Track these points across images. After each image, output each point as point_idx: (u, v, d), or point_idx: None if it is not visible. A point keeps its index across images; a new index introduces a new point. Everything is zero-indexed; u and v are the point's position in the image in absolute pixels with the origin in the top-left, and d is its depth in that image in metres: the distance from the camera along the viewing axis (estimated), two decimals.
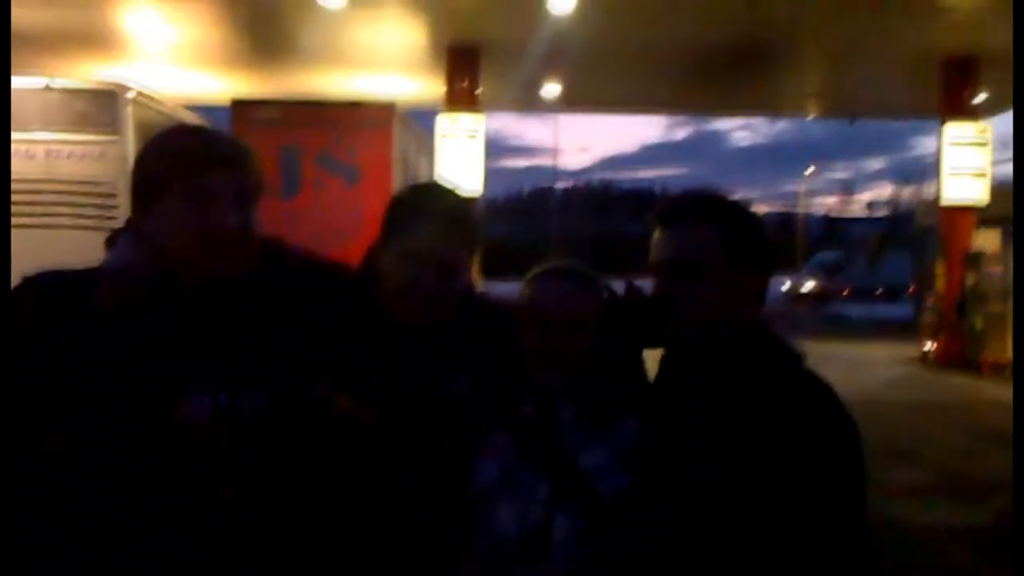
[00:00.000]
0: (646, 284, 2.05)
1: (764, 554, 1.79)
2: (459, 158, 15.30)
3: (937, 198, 17.15)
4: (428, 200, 2.08)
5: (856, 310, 31.76)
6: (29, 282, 1.81)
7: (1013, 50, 6.65)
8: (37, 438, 1.69)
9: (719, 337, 1.93)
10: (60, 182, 7.10)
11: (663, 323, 1.97)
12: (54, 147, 8.67)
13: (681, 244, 1.95)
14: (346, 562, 1.94)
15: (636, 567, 1.92)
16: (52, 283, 1.78)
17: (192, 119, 12.07)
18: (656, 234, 2.01)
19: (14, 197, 8.56)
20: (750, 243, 1.97)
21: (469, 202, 2.12)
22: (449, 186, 2.15)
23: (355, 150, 10.29)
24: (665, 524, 1.89)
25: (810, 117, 23.89)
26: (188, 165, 1.74)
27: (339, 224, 9.07)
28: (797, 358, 1.92)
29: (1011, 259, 14.62)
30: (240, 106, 10.75)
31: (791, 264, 54.50)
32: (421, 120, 14.84)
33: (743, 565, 1.81)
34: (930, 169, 24.02)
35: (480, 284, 14.27)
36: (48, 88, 9.21)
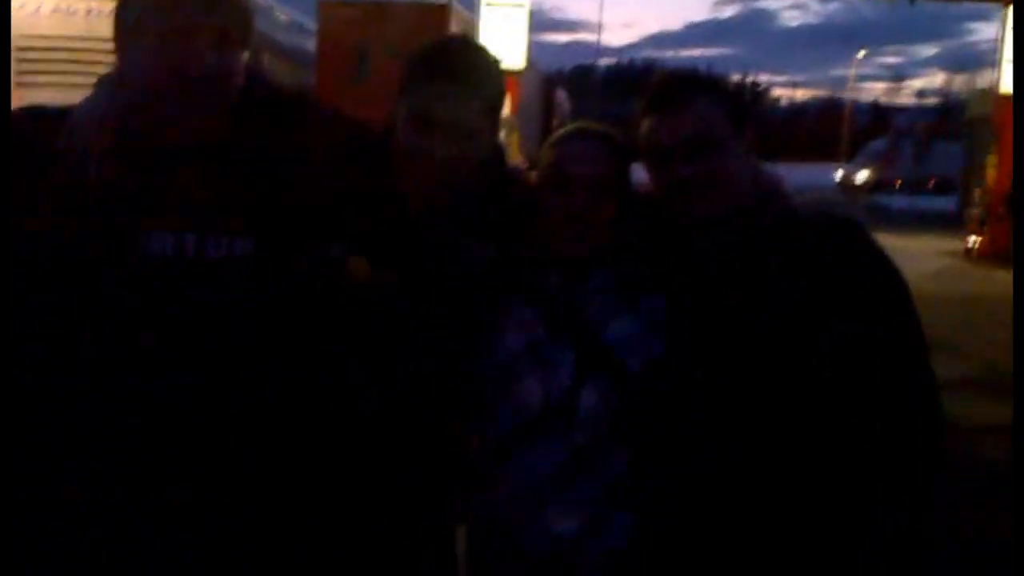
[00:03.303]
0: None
1: (816, 415, 1.80)
2: (502, 29, 15.01)
3: (992, 87, 16.66)
4: (443, 56, 1.92)
5: (899, 202, 31.16)
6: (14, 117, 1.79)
7: (1013, 49, 6.39)
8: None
9: (746, 210, 1.88)
10: (101, 40, 6.98)
11: (679, 210, 1.90)
12: (95, 4, 8.53)
13: (695, 122, 1.88)
14: (351, 442, 1.87)
15: (666, 439, 1.88)
16: (31, 120, 1.77)
17: None
18: (650, 120, 1.92)
19: (53, 55, 8.47)
20: (744, 111, 1.97)
21: (492, 60, 1.94)
22: (473, 43, 2.00)
23: (415, 45, 10.98)
24: (699, 395, 1.86)
25: None
26: (164, 4, 1.69)
27: None
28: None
29: None
30: (326, 6, 12.46)
31: (834, 151, 53.54)
32: None
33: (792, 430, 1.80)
34: (985, 57, 23.29)
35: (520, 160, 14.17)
36: None
